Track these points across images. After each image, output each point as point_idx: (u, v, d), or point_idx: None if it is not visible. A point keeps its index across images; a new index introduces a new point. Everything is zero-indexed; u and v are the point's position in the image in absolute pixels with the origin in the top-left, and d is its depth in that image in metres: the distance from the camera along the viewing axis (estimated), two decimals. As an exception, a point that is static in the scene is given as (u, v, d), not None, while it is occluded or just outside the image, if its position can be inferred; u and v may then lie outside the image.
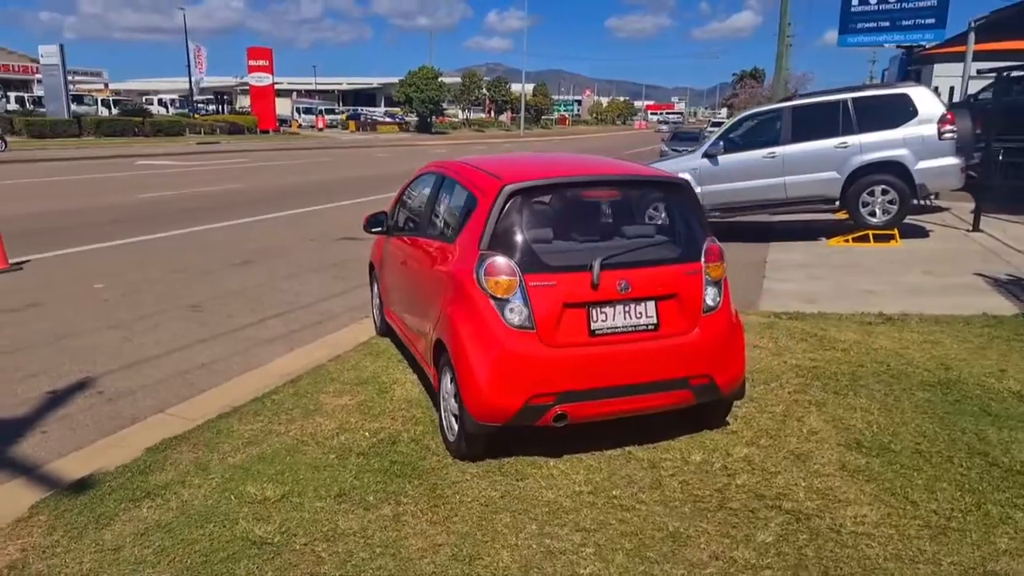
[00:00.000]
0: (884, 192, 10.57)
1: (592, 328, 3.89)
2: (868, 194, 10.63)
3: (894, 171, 10.44)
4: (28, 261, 9.59)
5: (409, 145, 48.61)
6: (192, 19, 53.49)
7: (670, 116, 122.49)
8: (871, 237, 10.77)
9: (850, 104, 10.71)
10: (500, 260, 3.86)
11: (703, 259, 4.17)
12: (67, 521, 3.48)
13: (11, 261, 9.11)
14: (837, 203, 10.96)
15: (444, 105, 76.09)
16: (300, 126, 66.33)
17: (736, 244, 10.65)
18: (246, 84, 61.06)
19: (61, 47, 42.92)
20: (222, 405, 4.85)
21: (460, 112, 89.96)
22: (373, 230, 5.84)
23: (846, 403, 4.87)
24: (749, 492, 3.75)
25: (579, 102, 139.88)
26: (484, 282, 3.85)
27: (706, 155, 11.52)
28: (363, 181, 22.24)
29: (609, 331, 3.92)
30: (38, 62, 47.25)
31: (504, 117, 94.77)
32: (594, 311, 3.91)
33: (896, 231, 10.79)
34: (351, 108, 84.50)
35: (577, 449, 4.20)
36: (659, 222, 4.48)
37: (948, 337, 6.23)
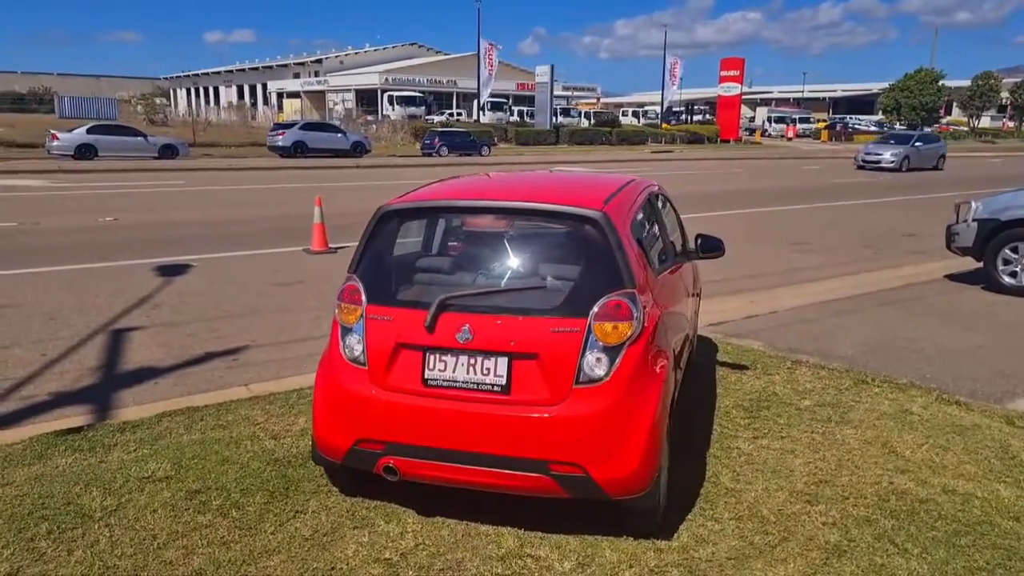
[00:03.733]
0: None
1: (425, 377, 3.35)
2: None
3: None
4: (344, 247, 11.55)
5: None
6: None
7: None
8: None
9: None
10: (350, 286, 3.57)
11: (593, 316, 3.22)
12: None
13: (331, 245, 11.09)
14: None
15: (941, 112, 66.61)
16: (765, 135, 64.87)
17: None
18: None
19: (551, 67, 49.28)
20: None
21: (969, 120, 77.43)
22: None
23: None
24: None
25: None
26: (335, 308, 3.61)
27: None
28: (713, 196, 21.03)
29: (446, 384, 3.32)
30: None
31: (1030, 125, 78.55)
32: (431, 357, 3.35)
33: None
34: (839, 117, 79.52)
35: (468, 512, 3.63)
36: (562, 264, 3.55)
37: None
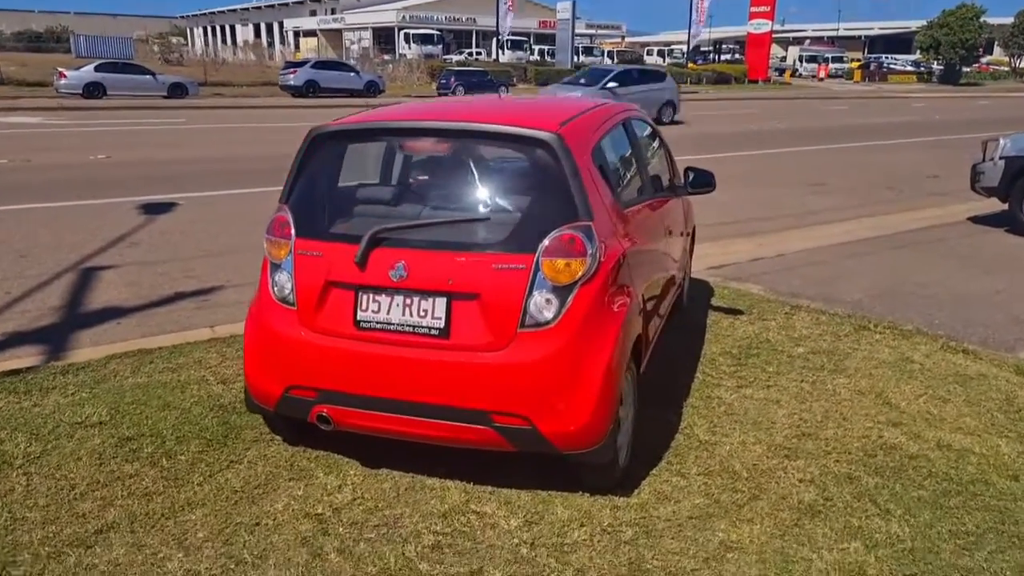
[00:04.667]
0: None
1: (358, 319, 3.04)
2: None
3: None
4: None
5: (892, 97, 42.27)
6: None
7: None
8: None
9: None
10: (279, 217, 3.25)
11: (541, 252, 2.87)
12: None
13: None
14: None
15: (980, 51, 64.08)
16: (795, 75, 62.82)
17: None
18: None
19: (573, 4, 47.67)
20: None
21: (1010, 60, 74.32)
22: None
23: None
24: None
25: None
26: (265, 242, 3.29)
27: None
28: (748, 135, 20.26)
29: (380, 327, 3.01)
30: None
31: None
32: (363, 297, 3.03)
33: None
34: (873, 56, 76.67)
35: (416, 464, 3.37)
36: (511, 193, 3.18)
37: None
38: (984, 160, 8.96)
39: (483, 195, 3.16)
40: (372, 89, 32.93)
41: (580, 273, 2.89)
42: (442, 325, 2.94)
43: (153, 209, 8.91)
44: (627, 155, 3.92)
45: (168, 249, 7.23)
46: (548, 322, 2.88)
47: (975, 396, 4.22)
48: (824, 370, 4.55)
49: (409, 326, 2.98)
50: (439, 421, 3.00)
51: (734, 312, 5.57)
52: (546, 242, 2.89)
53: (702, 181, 4.58)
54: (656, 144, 4.72)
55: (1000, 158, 8.71)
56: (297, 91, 31.43)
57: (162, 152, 14.24)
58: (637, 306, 3.33)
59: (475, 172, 3.20)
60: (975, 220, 9.31)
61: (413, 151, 3.50)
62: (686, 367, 4.54)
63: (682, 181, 4.75)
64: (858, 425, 3.85)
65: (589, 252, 2.90)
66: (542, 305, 2.88)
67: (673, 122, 22.95)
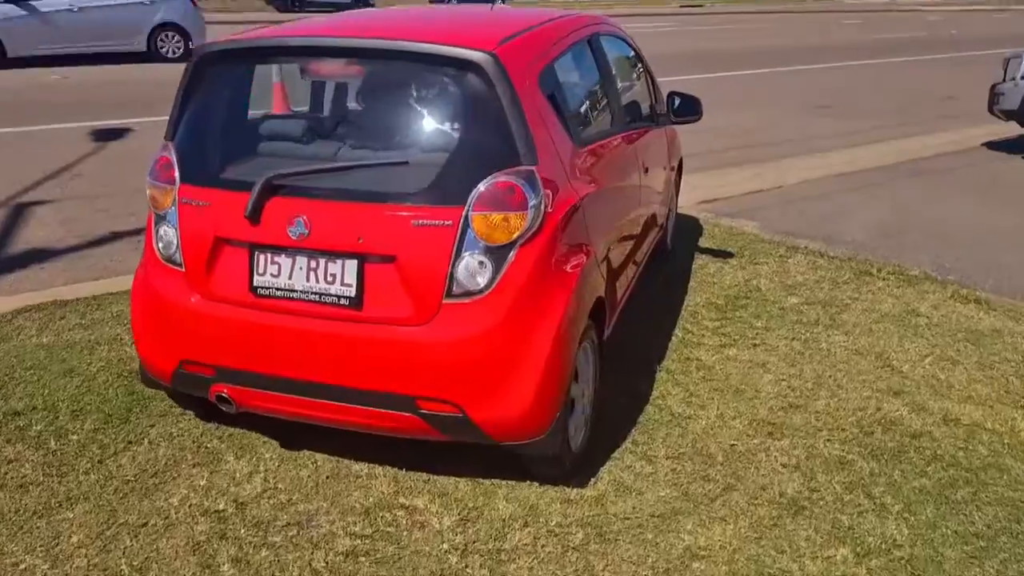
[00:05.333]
0: None
1: (255, 284, 2.53)
2: None
3: None
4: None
5: (907, 10, 40.37)
6: None
7: None
8: None
9: None
10: (162, 158, 2.69)
11: (471, 204, 2.34)
12: None
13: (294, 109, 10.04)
14: None
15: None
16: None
17: None
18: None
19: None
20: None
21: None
22: None
23: None
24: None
25: None
26: (147, 187, 2.74)
27: None
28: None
29: (281, 294, 2.50)
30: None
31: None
32: (260, 258, 2.51)
33: None
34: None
35: (343, 446, 2.91)
36: (436, 131, 2.60)
37: None
38: (1004, 80, 8.25)
39: (401, 133, 2.60)
40: (361, 2, 31.41)
41: (520, 230, 2.36)
42: (353, 293, 2.43)
43: (103, 135, 8.24)
44: (592, 79, 3.31)
45: (113, 182, 6.62)
46: (480, 290, 2.37)
47: (988, 357, 3.74)
48: (819, 325, 4.05)
49: (315, 294, 2.47)
50: (354, 406, 2.53)
51: (723, 255, 5.04)
52: (478, 191, 2.35)
53: (685, 109, 3.99)
54: (634, 65, 4.09)
55: (1022, 78, 8.01)
56: (282, 6, 29.99)
57: (121, 73, 13.37)
58: (597, 264, 2.81)
59: (393, 104, 2.62)
60: (992, 146, 8.66)
61: (320, 76, 2.89)
62: (664, 322, 4.05)
63: (665, 108, 4.15)
64: (854, 394, 3.38)
65: (531, 203, 2.36)
66: (473, 269, 2.36)
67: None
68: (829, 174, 7.36)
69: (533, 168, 2.40)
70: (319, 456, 2.92)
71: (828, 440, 3.04)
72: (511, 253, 2.37)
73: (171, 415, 3.15)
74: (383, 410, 2.49)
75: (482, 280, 2.36)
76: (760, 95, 11.99)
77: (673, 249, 5.03)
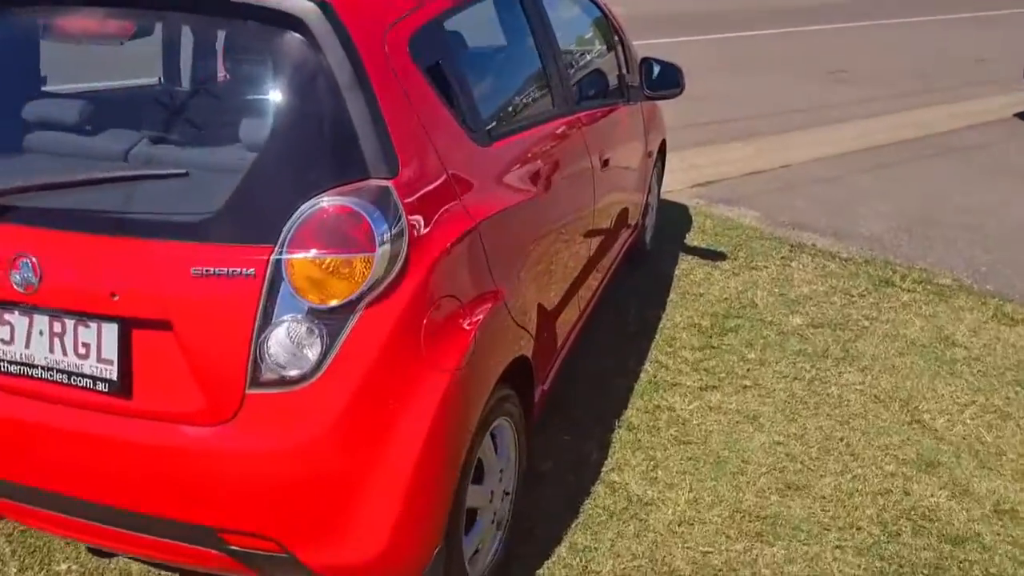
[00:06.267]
0: None
1: (-20, 352, 1.69)
2: None
3: None
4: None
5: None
6: None
7: None
8: None
9: None
10: None
11: (285, 242, 1.48)
12: None
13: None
14: None
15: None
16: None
17: None
18: None
19: None
20: None
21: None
22: None
23: None
24: None
25: None
26: None
27: None
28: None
29: (17, 369, 1.66)
30: None
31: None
32: (-16, 315, 1.67)
33: None
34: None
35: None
36: (236, 124, 1.70)
37: None
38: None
39: (178, 126, 1.72)
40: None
41: (366, 280, 1.50)
42: (116, 373, 1.58)
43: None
44: (517, 43, 2.41)
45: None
46: (303, 376, 1.51)
47: (1048, 408, 2.89)
48: (828, 357, 3.20)
49: (62, 372, 1.62)
50: (140, 535, 1.70)
51: (714, 256, 4.17)
52: (297, 220, 1.49)
53: (662, 81, 3.10)
54: (592, 22, 3.17)
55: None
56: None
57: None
58: (513, 313, 1.95)
59: (196, 82, 1.74)
60: (1027, 118, 7.71)
61: (73, 37, 1.98)
62: (630, 353, 3.19)
63: (639, 80, 3.25)
64: (873, 468, 2.54)
65: (382, 238, 1.50)
66: (291, 344, 1.51)
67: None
68: (843, 151, 6.44)
69: (388, 183, 1.54)
70: (132, 566, 2.11)
71: (839, 547, 2.21)
72: (352, 318, 1.52)
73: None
74: (181, 542, 1.67)
75: (305, 361, 1.51)
76: (769, 59, 10.96)
77: (652, 250, 4.16)
